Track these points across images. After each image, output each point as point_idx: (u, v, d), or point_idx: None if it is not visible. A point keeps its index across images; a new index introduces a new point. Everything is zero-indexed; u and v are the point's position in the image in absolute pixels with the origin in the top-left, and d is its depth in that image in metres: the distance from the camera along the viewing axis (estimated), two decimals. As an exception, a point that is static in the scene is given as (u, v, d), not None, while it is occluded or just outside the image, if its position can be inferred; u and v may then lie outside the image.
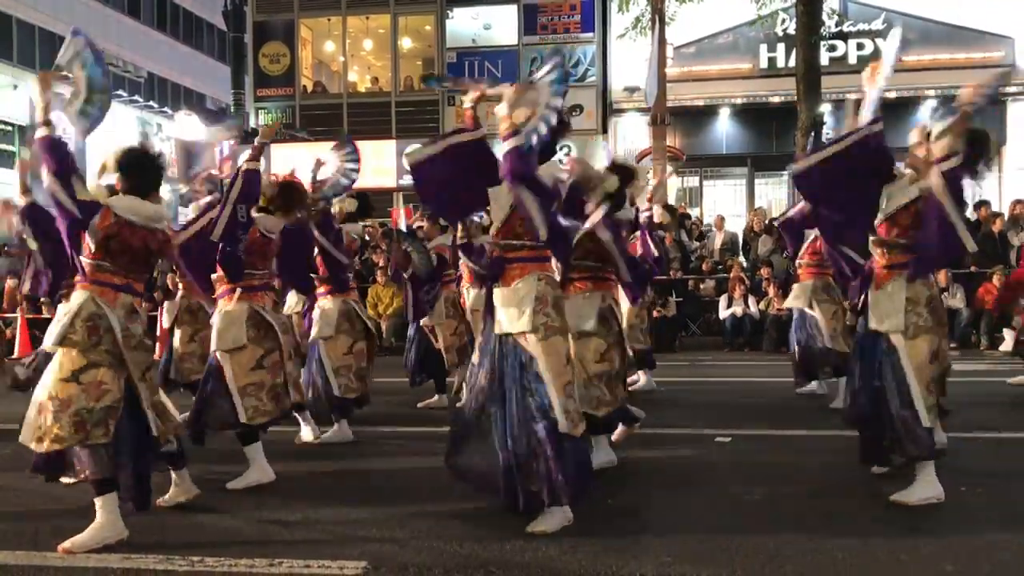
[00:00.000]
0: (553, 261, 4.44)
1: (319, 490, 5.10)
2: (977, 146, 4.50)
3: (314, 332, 6.66)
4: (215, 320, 5.38)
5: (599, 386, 5.20)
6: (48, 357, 4.38)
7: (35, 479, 4.36)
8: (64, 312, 4.21)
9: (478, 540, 3.98)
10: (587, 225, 4.83)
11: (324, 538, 4.13)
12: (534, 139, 4.05)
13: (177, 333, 7.33)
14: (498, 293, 4.32)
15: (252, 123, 22.41)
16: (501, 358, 4.25)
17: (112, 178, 4.65)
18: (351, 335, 6.67)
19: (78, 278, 4.28)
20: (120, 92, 29.99)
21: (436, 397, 8.09)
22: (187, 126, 26.06)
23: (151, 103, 31.66)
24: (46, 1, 27.50)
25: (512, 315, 4.22)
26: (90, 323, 4.11)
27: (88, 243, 4.19)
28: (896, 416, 4.46)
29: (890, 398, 4.49)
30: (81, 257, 4.22)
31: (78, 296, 4.21)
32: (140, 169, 4.36)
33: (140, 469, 4.23)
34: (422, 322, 8.11)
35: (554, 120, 4.10)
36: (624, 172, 5.17)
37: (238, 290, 5.30)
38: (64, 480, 4.31)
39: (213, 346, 5.31)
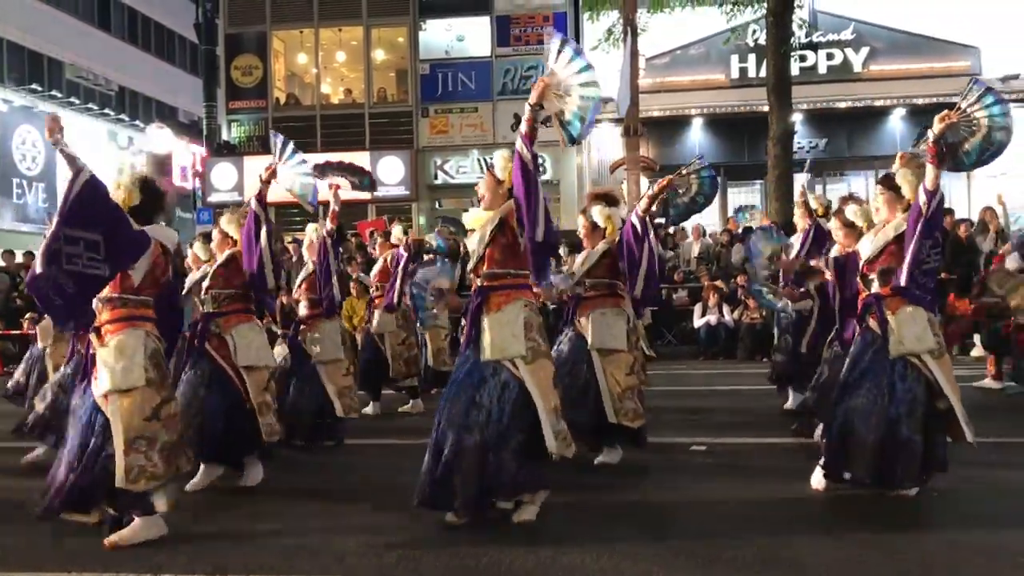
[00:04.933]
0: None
1: (294, 501, 5.05)
2: None
3: (318, 354, 6.74)
4: None
5: (632, 399, 5.48)
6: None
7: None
8: (127, 353, 4.17)
9: (455, 552, 3.96)
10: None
11: (300, 550, 4.08)
12: (578, 128, 4.15)
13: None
14: (485, 321, 4.39)
15: (225, 136, 22.29)
16: (481, 383, 4.29)
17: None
18: (347, 356, 6.89)
19: (110, 316, 4.26)
20: (91, 105, 29.76)
21: (369, 405, 8.41)
22: (158, 139, 25.90)
23: (122, 116, 31.39)
24: (15, 13, 27.21)
25: (501, 341, 4.31)
26: (154, 360, 4.23)
27: (131, 276, 4.24)
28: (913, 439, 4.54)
29: (908, 421, 4.56)
30: (115, 294, 4.24)
31: (136, 335, 4.22)
32: (152, 194, 4.41)
33: None
34: (372, 329, 8.52)
35: (598, 97, 4.13)
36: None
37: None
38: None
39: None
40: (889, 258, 4.75)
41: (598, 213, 5.72)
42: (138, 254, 4.21)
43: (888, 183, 4.86)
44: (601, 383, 5.45)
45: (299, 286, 7.05)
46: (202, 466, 5.34)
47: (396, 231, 8.89)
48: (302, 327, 6.88)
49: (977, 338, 11.25)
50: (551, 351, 4.52)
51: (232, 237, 5.66)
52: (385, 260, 8.76)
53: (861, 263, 4.92)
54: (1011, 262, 9.03)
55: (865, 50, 19.79)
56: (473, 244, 4.50)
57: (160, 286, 4.44)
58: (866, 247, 4.92)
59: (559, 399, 4.40)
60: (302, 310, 6.95)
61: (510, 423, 4.24)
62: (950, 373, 4.67)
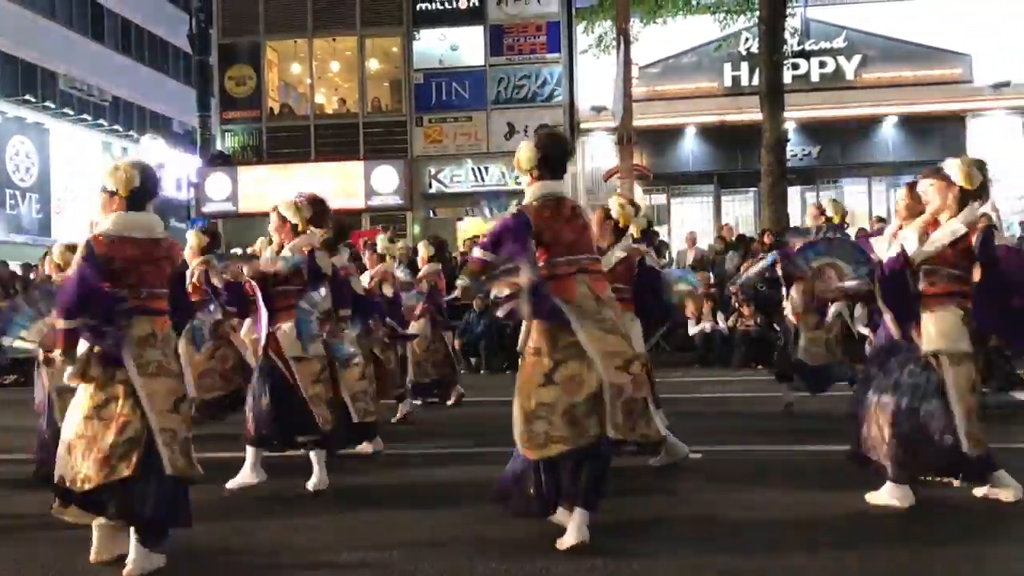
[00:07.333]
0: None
1: (287, 511, 5.03)
2: None
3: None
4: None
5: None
6: None
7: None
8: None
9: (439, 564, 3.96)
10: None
11: (289, 561, 4.07)
12: None
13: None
14: None
15: (219, 146, 22.29)
16: None
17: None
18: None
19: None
20: (85, 116, 29.76)
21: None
22: (152, 150, 25.86)
23: (116, 127, 31.41)
24: (9, 24, 27.22)
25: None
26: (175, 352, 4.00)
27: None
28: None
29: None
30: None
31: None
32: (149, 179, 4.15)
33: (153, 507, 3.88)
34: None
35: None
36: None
37: None
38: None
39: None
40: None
41: (615, 203, 5.82)
42: None
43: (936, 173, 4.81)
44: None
45: None
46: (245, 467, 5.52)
47: (380, 241, 8.72)
48: None
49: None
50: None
51: (290, 222, 5.74)
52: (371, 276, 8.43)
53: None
54: None
55: (857, 58, 19.87)
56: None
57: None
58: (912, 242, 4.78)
59: (548, 400, 4.10)
60: None
61: None
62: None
